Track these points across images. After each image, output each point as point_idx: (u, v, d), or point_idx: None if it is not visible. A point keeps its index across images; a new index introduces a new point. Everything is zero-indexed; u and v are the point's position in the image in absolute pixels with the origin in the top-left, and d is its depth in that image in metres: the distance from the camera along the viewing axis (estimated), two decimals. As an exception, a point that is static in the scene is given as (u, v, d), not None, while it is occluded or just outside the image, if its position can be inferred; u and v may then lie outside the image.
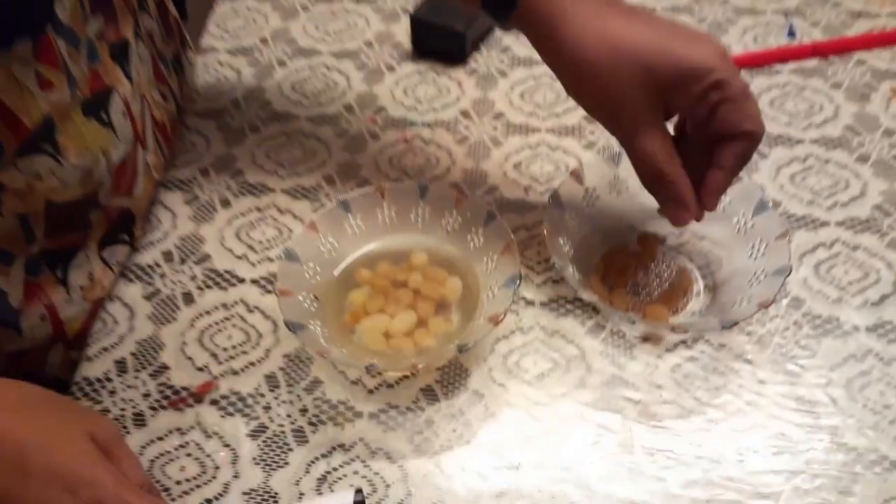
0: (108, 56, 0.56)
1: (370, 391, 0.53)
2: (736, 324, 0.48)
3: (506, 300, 0.50)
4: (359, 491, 0.45)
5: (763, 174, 0.64)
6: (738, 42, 0.75)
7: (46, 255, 0.54)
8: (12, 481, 0.40)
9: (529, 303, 0.57)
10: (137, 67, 0.60)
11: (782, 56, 0.73)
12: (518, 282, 0.51)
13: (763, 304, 0.49)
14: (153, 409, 0.53)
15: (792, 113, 0.68)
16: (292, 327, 0.49)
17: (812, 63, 0.72)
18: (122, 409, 0.53)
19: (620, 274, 0.57)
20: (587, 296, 0.50)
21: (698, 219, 0.51)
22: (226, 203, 0.64)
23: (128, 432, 0.52)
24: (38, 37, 0.48)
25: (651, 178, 0.51)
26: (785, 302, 0.55)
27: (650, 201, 0.58)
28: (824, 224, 0.60)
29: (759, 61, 0.72)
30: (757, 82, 0.71)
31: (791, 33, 0.75)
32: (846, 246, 0.59)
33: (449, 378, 0.53)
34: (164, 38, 0.66)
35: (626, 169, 0.58)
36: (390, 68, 0.75)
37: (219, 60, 0.76)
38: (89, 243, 0.57)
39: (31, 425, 0.42)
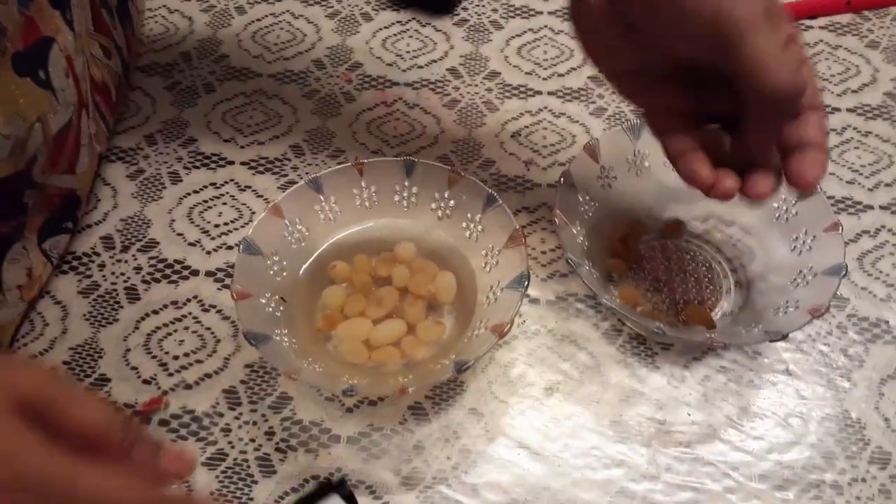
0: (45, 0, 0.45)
1: (349, 409, 0.45)
2: (785, 336, 0.41)
3: (511, 305, 0.42)
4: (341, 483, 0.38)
5: (796, 148, 0.56)
6: (761, -8, 0.66)
7: None
8: None
9: (534, 301, 0.49)
10: (79, 14, 0.49)
11: (812, 9, 0.64)
12: (526, 282, 0.43)
13: (815, 311, 0.41)
14: (90, 430, 0.44)
15: (825, 76, 0.60)
16: (253, 339, 0.40)
17: (845, 18, 0.64)
18: (53, 431, 0.44)
19: (638, 266, 0.49)
20: (610, 302, 0.42)
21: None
22: (175, 177, 0.55)
23: (59, 460, 0.43)
24: None
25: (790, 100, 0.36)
26: (826, 300, 0.48)
27: (674, 181, 0.50)
28: (868, 208, 0.53)
29: (786, 15, 0.64)
30: (785, 39, 0.63)
31: (821, -17, 0.66)
32: (892, 234, 0.51)
33: (441, 393, 0.45)
34: None
35: (646, 143, 0.50)
36: (366, 17, 0.65)
37: (166, 5, 0.66)
38: (27, 234, 0.47)
39: None
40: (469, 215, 0.47)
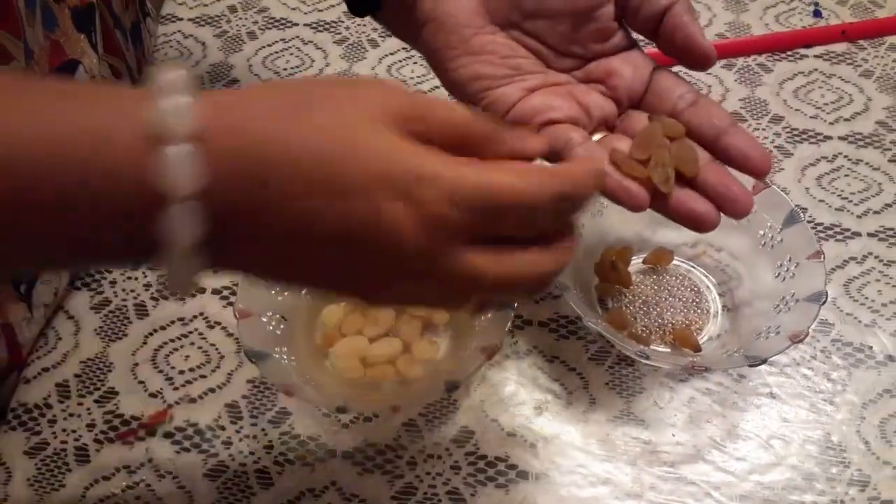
0: (71, 22, 0.48)
1: (345, 425, 0.46)
2: (764, 361, 0.42)
3: (501, 327, 0.44)
4: None
5: (787, 175, 0.57)
6: (758, 21, 0.67)
7: None
8: (325, 203, 0.28)
9: (526, 321, 0.50)
10: (100, 37, 0.52)
11: (807, 39, 0.66)
12: (514, 305, 0.44)
13: (795, 337, 0.43)
14: (98, 441, 0.46)
15: (818, 105, 0.62)
16: (253, 357, 0.42)
17: (840, 47, 0.65)
18: (63, 442, 0.46)
19: (627, 289, 0.51)
20: (595, 325, 0.44)
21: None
22: (186, 198, 0.57)
23: (69, 469, 0.45)
24: None
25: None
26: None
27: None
28: (856, 235, 0.54)
29: (782, 44, 0.65)
30: (780, 68, 0.64)
31: (817, 13, 0.68)
32: (879, 261, 0.53)
33: (434, 411, 0.47)
34: (123, 3, 0.58)
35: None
36: (373, 43, 0.67)
37: (181, 31, 0.68)
38: None
39: (316, 130, 0.28)
40: (464, 239, 0.49)
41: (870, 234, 0.54)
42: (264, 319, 0.46)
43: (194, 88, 0.27)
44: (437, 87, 0.63)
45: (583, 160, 0.34)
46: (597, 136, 0.41)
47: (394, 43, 0.67)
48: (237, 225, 0.28)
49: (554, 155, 0.39)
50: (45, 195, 0.26)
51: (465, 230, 0.29)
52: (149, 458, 0.46)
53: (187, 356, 0.50)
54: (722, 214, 0.38)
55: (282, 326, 0.46)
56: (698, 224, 0.38)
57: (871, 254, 0.53)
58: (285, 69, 0.65)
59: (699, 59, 0.39)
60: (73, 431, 0.47)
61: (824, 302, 0.44)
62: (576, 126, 0.40)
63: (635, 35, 0.42)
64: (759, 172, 0.39)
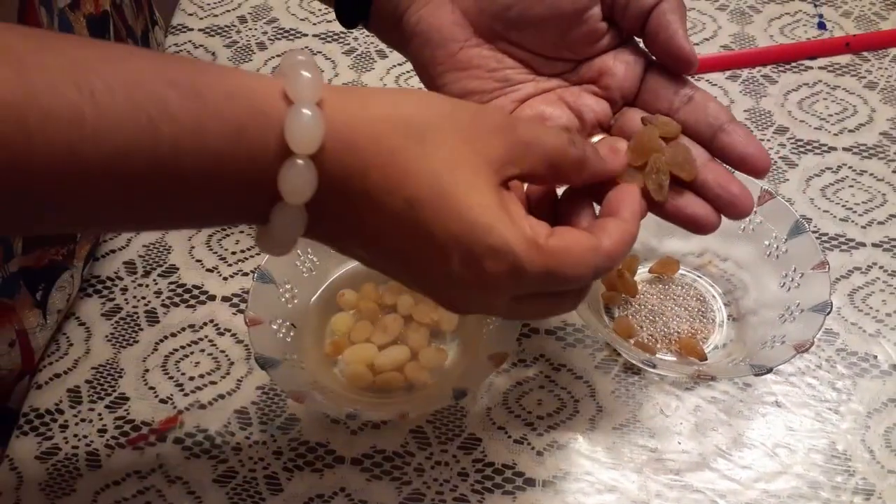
0: (87, 30, 0.48)
1: (353, 432, 0.47)
2: (770, 370, 0.42)
3: (509, 335, 0.44)
4: None
5: (792, 186, 0.58)
6: (762, 33, 0.68)
7: (26, 274, 0.47)
8: (405, 237, 0.32)
9: (533, 329, 0.51)
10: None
11: (812, 50, 0.66)
12: (522, 314, 0.45)
13: (800, 347, 0.43)
14: (109, 447, 0.47)
15: (823, 116, 0.62)
16: (263, 363, 0.43)
17: (844, 59, 0.66)
18: (75, 447, 0.47)
19: (634, 298, 0.51)
20: (602, 335, 0.44)
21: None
22: (196, 206, 0.58)
23: (80, 474, 0.46)
24: (24, 4, 0.41)
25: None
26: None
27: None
28: (860, 245, 0.54)
29: (786, 56, 0.66)
30: (784, 80, 0.65)
31: (821, 25, 0.68)
32: (884, 271, 0.53)
33: (442, 418, 0.47)
34: (133, 12, 0.59)
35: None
36: (381, 54, 0.68)
37: (191, 41, 0.69)
38: (76, 262, 0.50)
39: (417, 172, 0.31)
40: (472, 248, 0.50)
41: (874, 245, 0.54)
42: (274, 327, 0.46)
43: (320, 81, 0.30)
44: (444, 98, 0.64)
45: (620, 227, 0.35)
46: (595, 139, 0.40)
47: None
48: (332, 201, 0.31)
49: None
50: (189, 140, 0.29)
51: (516, 293, 0.33)
52: (159, 463, 0.46)
53: (197, 363, 0.50)
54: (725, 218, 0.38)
55: (291, 334, 0.47)
56: (697, 228, 0.38)
57: (875, 264, 0.53)
58: (294, 79, 0.66)
59: (680, 63, 0.39)
60: (85, 437, 0.47)
61: (829, 312, 0.44)
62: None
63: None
64: (758, 172, 0.38)
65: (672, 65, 0.40)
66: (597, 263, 0.33)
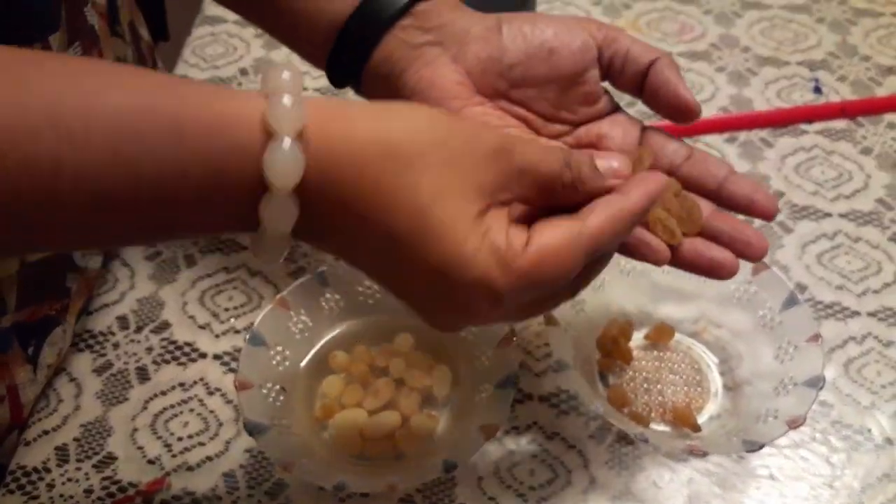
0: None
1: (342, 500, 0.46)
2: (762, 447, 0.42)
3: (502, 407, 0.44)
4: None
5: (788, 252, 0.58)
6: (760, 96, 0.69)
7: (19, 329, 0.47)
8: (387, 261, 0.33)
9: (526, 396, 0.50)
10: None
11: (808, 115, 0.67)
12: (515, 382, 0.45)
13: (793, 423, 0.43)
14: (95, 508, 0.46)
15: (819, 181, 0.62)
16: (252, 430, 0.43)
17: (840, 124, 0.66)
18: (60, 508, 0.46)
19: (628, 365, 0.51)
20: (595, 407, 0.44)
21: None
22: (191, 261, 0.58)
23: (63, 536, 0.45)
24: None
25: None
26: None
27: (664, 281, 0.52)
28: (855, 314, 0.54)
29: (783, 120, 0.66)
30: (781, 143, 0.65)
31: (817, 89, 0.69)
32: (879, 342, 0.53)
33: (433, 486, 0.46)
34: (137, 61, 0.59)
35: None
36: (381, 110, 0.68)
37: (197, 65, 0.69)
38: (68, 317, 0.50)
39: (397, 203, 0.31)
40: (466, 312, 0.49)
41: (869, 314, 0.54)
42: (264, 391, 0.46)
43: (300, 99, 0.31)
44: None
45: (612, 203, 0.34)
46: None
47: (401, 110, 0.68)
48: (314, 229, 0.32)
49: None
50: (168, 163, 0.29)
51: (505, 311, 0.33)
52: (144, 527, 0.45)
53: (186, 422, 0.50)
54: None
55: (281, 398, 0.47)
56: (718, 270, 0.40)
57: (870, 334, 0.53)
58: (294, 133, 0.66)
59: (684, 113, 0.40)
60: (71, 497, 0.47)
61: (821, 387, 0.44)
62: None
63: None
64: (767, 214, 0.41)
65: (676, 115, 0.41)
66: (583, 249, 0.33)
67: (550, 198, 0.34)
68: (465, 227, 0.31)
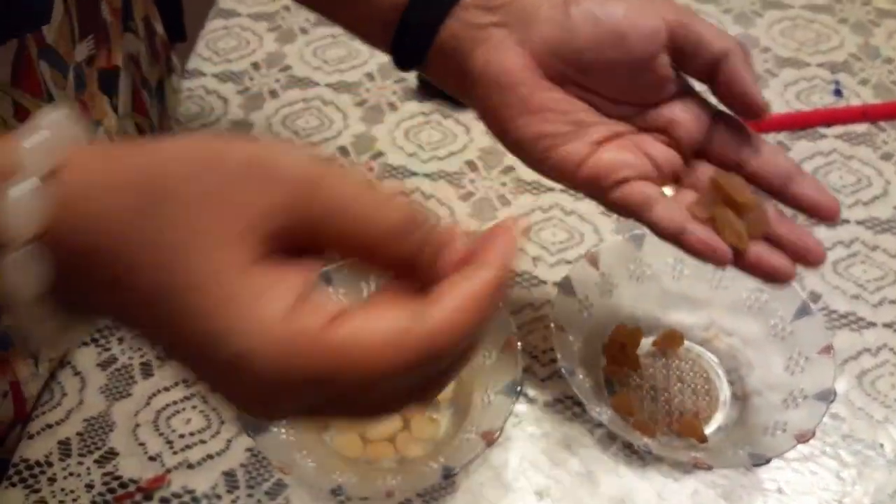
0: (97, 84, 0.49)
1: (342, 502, 0.46)
2: (768, 461, 0.41)
3: (502, 412, 0.43)
4: None
5: (802, 260, 0.56)
6: (779, 98, 0.67)
7: None
8: (150, 328, 0.27)
9: (531, 401, 0.50)
10: (123, 98, 0.53)
11: (828, 118, 0.65)
12: (518, 389, 0.44)
13: (801, 437, 0.42)
14: (95, 503, 0.46)
15: (837, 187, 0.61)
16: (251, 431, 0.42)
17: (861, 128, 0.65)
18: (62, 502, 0.46)
19: (636, 373, 0.50)
20: (599, 416, 0.43)
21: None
22: (198, 257, 0.57)
23: (63, 531, 0.45)
24: (19, 58, 0.41)
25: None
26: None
27: (675, 287, 0.51)
28: (871, 325, 0.53)
29: (801, 123, 0.65)
30: (799, 147, 0.64)
31: (838, 92, 0.67)
32: (894, 354, 0.52)
33: (433, 492, 0.46)
34: (150, 63, 0.59)
35: (650, 252, 0.51)
36: (392, 107, 0.67)
37: (205, 86, 0.69)
38: None
39: (154, 264, 0.25)
40: (471, 315, 0.49)
41: (885, 325, 0.53)
42: (266, 390, 0.45)
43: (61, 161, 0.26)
44: (452, 154, 0.63)
45: (464, 291, 0.26)
46: (667, 191, 0.41)
47: (412, 108, 0.67)
48: (85, 275, 0.26)
49: (633, 214, 0.40)
50: None
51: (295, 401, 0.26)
52: (144, 524, 0.45)
53: (189, 419, 0.49)
54: None
55: (283, 398, 0.46)
56: (777, 277, 0.39)
57: (885, 345, 0.52)
58: (304, 129, 0.66)
59: (752, 113, 0.39)
60: (72, 492, 0.47)
61: (832, 401, 0.43)
62: (650, 182, 0.40)
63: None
64: (830, 218, 0.40)
65: (743, 113, 0.40)
66: (416, 352, 0.25)
67: (373, 258, 0.27)
68: (230, 288, 0.25)
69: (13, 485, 0.47)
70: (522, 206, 0.60)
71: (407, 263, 0.27)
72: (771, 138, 0.64)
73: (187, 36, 0.69)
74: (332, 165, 0.26)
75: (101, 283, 0.26)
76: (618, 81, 0.40)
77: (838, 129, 0.65)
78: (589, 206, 0.60)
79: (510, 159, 0.63)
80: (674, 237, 0.39)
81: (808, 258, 0.39)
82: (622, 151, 0.40)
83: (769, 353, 0.49)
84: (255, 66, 0.71)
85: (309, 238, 0.26)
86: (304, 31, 0.74)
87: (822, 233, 0.58)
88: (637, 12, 0.40)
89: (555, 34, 0.40)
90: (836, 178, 0.62)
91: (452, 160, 0.63)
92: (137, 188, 0.26)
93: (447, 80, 0.44)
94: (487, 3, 0.41)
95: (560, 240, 0.58)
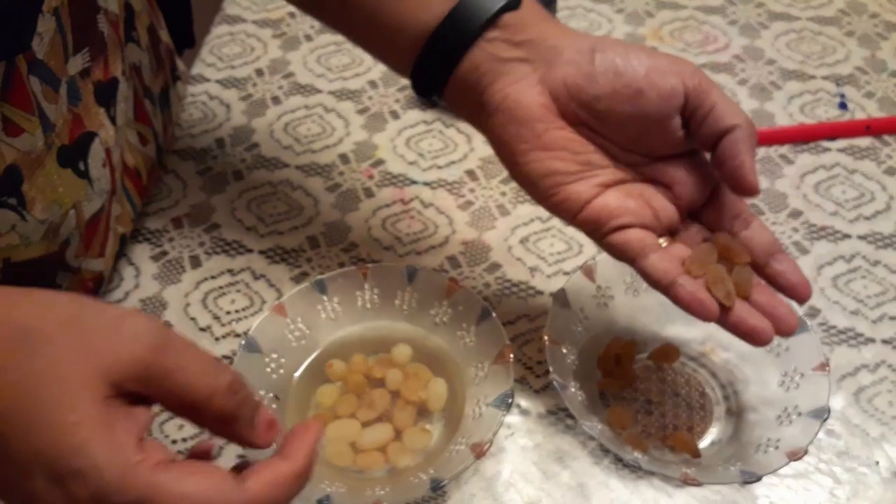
0: (93, 97, 0.49)
1: (332, 510, 0.46)
2: (759, 478, 0.41)
3: (493, 424, 0.43)
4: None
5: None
6: (782, 111, 0.67)
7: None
8: None
9: (524, 412, 0.50)
10: (123, 108, 0.53)
11: (831, 132, 0.65)
12: (510, 401, 0.44)
13: (793, 455, 0.41)
14: None
15: (839, 201, 0.61)
16: (243, 439, 0.42)
17: (865, 142, 0.64)
18: None
19: (631, 386, 0.50)
20: (591, 430, 0.43)
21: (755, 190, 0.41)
22: (195, 262, 0.58)
23: None
24: (8, 75, 0.41)
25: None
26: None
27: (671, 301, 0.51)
28: (869, 341, 0.52)
29: (805, 136, 0.65)
30: (801, 160, 0.63)
31: (843, 105, 0.67)
32: (892, 370, 0.51)
33: (423, 502, 0.46)
34: (153, 71, 0.59)
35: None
36: (394, 115, 0.68)
37: (208, 92, 0.70)
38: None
39: (10, 385, 0.30)
40: (464, 325, 0.49)
41: (884, 342, 0.52)
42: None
43: None
44: (453, 163, 0.63)
45: (277, 469, 0.33)
46: (663, 242, 0.42)
47: (414, 116, 0.67)
48: None
49: (628, 259, 0.41)
50: None
51: None
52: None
53: (182, 425, 0.50)
54: None
55: (274, 406, 0.46)
56: (756, 338, 0.40)
57: (884, 362, 0.51)
58: (306, 136, 0.66)
59: (744, 191, 0.40)
60: None
61: (826, 419, 0.43)
62: (648, 231, 0.41)
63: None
64: (802, 299, 0.41)
65: (734, 189, 0.41)
66: None
67: (196, 419, 0.32)
68: (84, 414, 0.29)
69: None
70: (521, 215, 0.60)
71: (226, 421, 0.32)
72: (774, 151, 0.64)
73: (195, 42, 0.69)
74: (174, 337, 0.31)
75: None
76: (629, 132, 0.41)
77: (842, 143, 0.65)
78: (588, 217, 0.60)
79: (510, 169, 0.63)
80: (665, 288, 0.41)
81: (780, 327, 0.40)
82: (627, 199, 0.41)
83: (764, 368, 0.48)
84: (259, 72, 0.71)
85: (145, 391, 0.31)
86: (308, 37, 0.74)
87: (824, 247, 0.58)
88: (658, 72, 0.40)
89: (576, 78, 0.41)
90: (839, 192, 0.61)
91: (453, 169, 0.63)
92: (9, 324, 0.30)
93: (463, 108, 0.45)
94: (513, 37, 0.42)
95: (558, 250, 0.58)
